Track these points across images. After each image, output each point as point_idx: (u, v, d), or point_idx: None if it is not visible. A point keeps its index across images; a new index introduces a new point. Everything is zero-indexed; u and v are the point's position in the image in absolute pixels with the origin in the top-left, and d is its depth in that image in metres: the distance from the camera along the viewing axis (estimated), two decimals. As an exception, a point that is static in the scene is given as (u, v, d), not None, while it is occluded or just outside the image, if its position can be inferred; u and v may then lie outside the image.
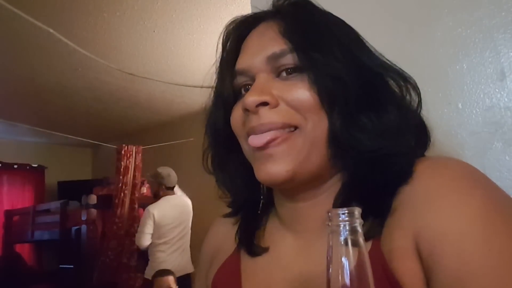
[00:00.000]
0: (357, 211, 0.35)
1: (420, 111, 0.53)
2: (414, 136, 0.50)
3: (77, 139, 4.90)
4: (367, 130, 0.47)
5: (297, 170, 0.48)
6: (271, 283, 0.52)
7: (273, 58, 0.49)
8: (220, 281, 0.57)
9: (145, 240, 3.31)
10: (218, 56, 0.57)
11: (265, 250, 0.55)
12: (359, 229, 0.35)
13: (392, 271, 0.41)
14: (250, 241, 0.56)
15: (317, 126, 0.47)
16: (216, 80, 0.57)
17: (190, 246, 3.48)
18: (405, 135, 0.48)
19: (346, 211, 0.35)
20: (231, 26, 0.57)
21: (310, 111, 0.47)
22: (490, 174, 0.46)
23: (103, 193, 4.69)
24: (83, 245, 4.13)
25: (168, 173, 3.49)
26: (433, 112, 0.74)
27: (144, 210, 3.55)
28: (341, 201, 0.47)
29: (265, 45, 0.50)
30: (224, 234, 0.63)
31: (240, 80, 0.53)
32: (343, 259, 0.34)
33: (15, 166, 5.81)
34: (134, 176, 4.38)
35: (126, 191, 4.27)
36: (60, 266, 4.97)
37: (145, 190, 4.52)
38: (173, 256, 3.38)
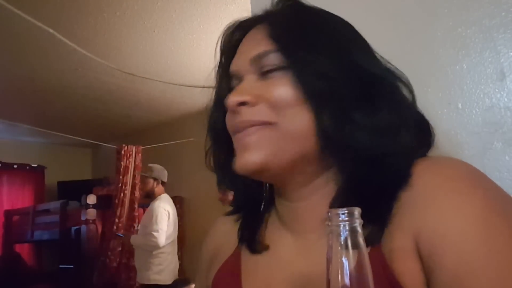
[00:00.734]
0: (357, 211, 0.35)
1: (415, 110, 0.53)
2: (414, 135, 0.50)
3: (77, 139, 4.91)
4: (361, 127, 0.47)
5: (270, 161, 0.49)
6: (271, 283, 0.52)
7: (257, 59, 0.51)
8: (221, 280, 0.58)
9: (164, 238, 3.17)
10: (217, 60, 0.60)
11: (266, 247, 0.56)
12: (359, 229, 0.35)
13: (393, 271, 0.41)
14: (251, 238, 0.57)
15: (296, 121, 0.48)
16: (216, 83, 0.60)
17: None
18: (402, 134, 0.48)
19: (346, 211, 0.35)
20: (228, 31, 0.59)
21: (288, 106, 0.48)
22: (490, 174, 0.46)
23: (103, 193, 4.69)
24: (83, 245, 4.13)
25: (162, 167, 3.43)
26: (433, 112, 0.74)
27: (143, 210, 3.54)
28: (338, 206, 0.47)
29: (251, 48, 0.53)
30: (225, 233, 0.63)
31: (234, 82, 0.55)
32: (343, 259, 0.34)
33: (15, 166, 5.82)
34: (134, 176, 4.39)
35: (126, 191, 4.27)
36: (60, 266, 4.98)
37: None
38: (175, 258, 3.35)
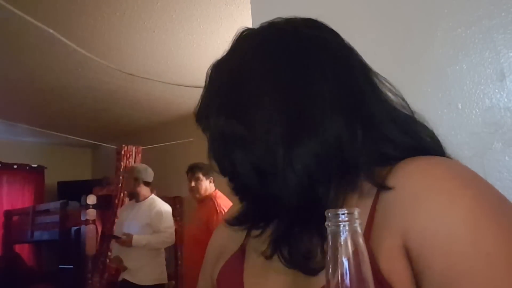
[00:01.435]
0: (357, 211, 0.35)
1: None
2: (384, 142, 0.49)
3: (77, 139, 4.91)
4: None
5: None
6: (269, 278, 0.53)
7: None
8: (224, 276, 0.59)
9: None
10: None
11: None
12: (359, 229, 0.35)
13: (381, 271, 0.41)
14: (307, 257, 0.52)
15: None
16: None
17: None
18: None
19: (346, 212, 0.35)
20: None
21: None
22: (490, 174, 0.45)
23: (102, 193, 4.69)
24: (83, 246, 4.13)
25: (145, 167, 3.36)
26: (433, 112, 0.74)
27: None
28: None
29: None
30: (230, 234, 0.64)
31: None
32: (343, 259, 0.34)
33: (15, 166, 5.82)
34: (134, 176, 4.38)
35: (125, 191, 4.27)
36: (60, 266, 4.98)
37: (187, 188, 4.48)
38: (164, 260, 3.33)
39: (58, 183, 5.97)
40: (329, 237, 0.35)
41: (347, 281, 0.33)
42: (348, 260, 0.34)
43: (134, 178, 3.23)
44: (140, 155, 4.57)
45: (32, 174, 6.03)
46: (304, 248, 0.48)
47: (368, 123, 0.49)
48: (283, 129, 0.48)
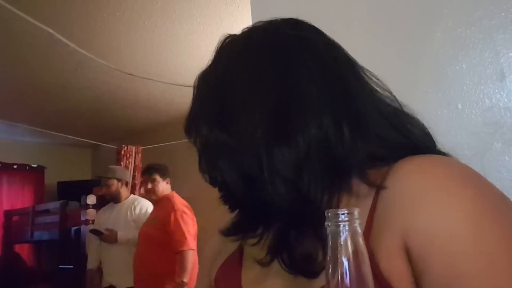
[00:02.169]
0: (357, 211, 0.35)
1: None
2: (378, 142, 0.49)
3: (77, 139, 4.91)
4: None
5: None
6: (269, 276, 0.53)
7: None
8: (222, 274, 0.60)
9: None
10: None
11: None
12: (359, 229, 0.35)
13: (381, 271, 0.41)
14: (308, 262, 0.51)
15: None
16: None
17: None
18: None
19: (346, 212, 0.35)
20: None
21: None
22: (489, 174, 0.45)
23: (102, 193, 4.69)
24: (83, 246, 4.12)
25: (120, 167, 3.39)
26: (433, 112, 0.74)
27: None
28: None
29: None
30: (225, 239, 0.64)
31: None
32: (343, 259, 0.34)
33: (15, 166, 5.81)
34: (134, 176, 4.38)
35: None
36: (60, 266, 4.97)
37: (143, 190, 4.50)
38: None
39: (58, 183, 5.97)
40: (329, 237, 0.35)
41: (347, 281, 0.33)
42: (348, 260, 0.34)
43: (117, 179, 3.24)
44: (140, 155, 4.57)
45: (32, 174, 6.02)
46: (303, 251, 0.47)
47: (357, 121, 0.49)
48: (267, 133, 0.48)
